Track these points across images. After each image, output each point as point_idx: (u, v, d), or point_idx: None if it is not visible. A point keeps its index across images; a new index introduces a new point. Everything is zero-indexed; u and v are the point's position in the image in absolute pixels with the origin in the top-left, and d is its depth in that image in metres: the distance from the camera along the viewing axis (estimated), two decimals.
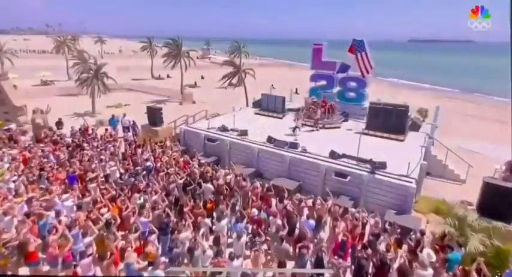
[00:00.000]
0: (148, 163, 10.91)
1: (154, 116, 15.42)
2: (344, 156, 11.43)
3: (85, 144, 12.50)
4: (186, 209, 8.22)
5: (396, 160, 10.56)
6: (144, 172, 10.83)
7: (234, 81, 26.25)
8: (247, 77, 25.95)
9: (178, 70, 30.59)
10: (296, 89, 27.14)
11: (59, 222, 7.01)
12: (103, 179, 10.17)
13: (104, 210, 8.07)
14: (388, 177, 9.95)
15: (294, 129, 14.51)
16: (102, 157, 11.30)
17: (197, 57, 33.43)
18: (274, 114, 17.26)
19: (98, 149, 12.28)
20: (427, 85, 44.44)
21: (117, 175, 10.55)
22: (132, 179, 10.07)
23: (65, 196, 8.33)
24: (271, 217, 8.22)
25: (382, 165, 10.46)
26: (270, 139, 12.99)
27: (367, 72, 16.56)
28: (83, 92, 22.67)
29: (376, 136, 13.95)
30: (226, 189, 9.33)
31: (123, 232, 7.31)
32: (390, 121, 13.91)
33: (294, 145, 12.41)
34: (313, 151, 11.86)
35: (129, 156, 11.45)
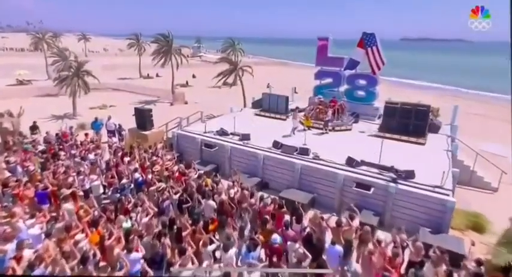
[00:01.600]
0: (137, 175, 9.42)
1: (144, 118, 13.88)
2: (363, 163, 10.19)
3: (61, 153, 10.90)
4: (185, 233, 6.80)
5: (421, 168, 9.40)
6: (132, 186, 9.35)
7: (230, 79, 24.76)
8: (244, 76, 24.55)
9: (168, 68, 28.98)
10: (294, 88, 25.94)
11: (19, 258, 5.49)
12: (82, 194, 8.67)
13: (80, 236, 6.58)
14: (419, 188, 8.72)
15: (294, 129, 13.31)
16: (82, 168, 9.75)
17: (188, 56, 31.76)
18: (277, 116, 15.94)
19: (77, 158, 10.70)
20: (426, 83, 43.89)
21: (100, 190, 9.04)
22: (117, 195, 8.59)
23: (29, 222, 6.77)
24: (289, 243, 6.86)
25: (410, 174, 9.25)
26: (276, 145, 11.66)
27: (379, 68, 15.42)
28: (63, 92, 20.90)
29: (393, 139, 12.78)
30: (232, 207, 7.94)
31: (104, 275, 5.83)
32: (409, 122, 12.80)
33: (304, 151, 11.11)
34: (325, 157, 10.60)
35: (114, 167, 9.93)
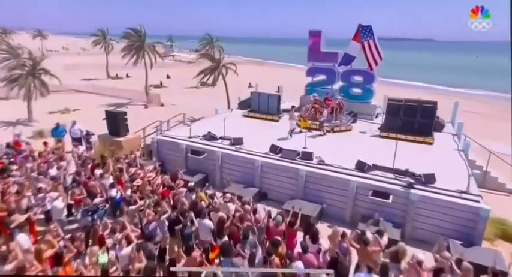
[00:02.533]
0: (113, 192, 7.99)
1: (117, 122, 12.31)
2: (375, 167, 9.39)
3: (13, 167, 9.17)
4: (180, 267, 5.56)
5: (435, 171, 8.70)
6: (107, 206, 7.92)
7: (211, 79, 23.43)
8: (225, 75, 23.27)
9: (139, 68, 27.16)
10: (279, 88, 25.14)
11: None
12: (42, 217, 7.16)
13: None
14: (444, 194, 8.01)
15: (291, 131, 12.39)
16: (41, 185, 8.16)
17: (160, 55, 30.05)
18: (268, 116, 14.92)
19: (34, 173, 9.03)
20: (414, 82, 44.62)
21: (64, 213, 7.51)
22: (89, 219, 7.14)
23: None
24: (311, 270, 5.81)
25: (430, 178, 8.54)
26: (274, 149, 10.62)
27: (376, 63, 14.84)
28: (15, 94, 18.63)
29: (398, 139, 12.15)
30: (238, 227, 6.75)
31: None
32: (414, 120, 12.26)
33: (307, 156, 10.15)
34: (329, 161, 9.72)
35: (83, 182, 8.42)
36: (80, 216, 7.22)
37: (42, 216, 7.91)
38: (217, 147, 11.04)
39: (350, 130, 13.50)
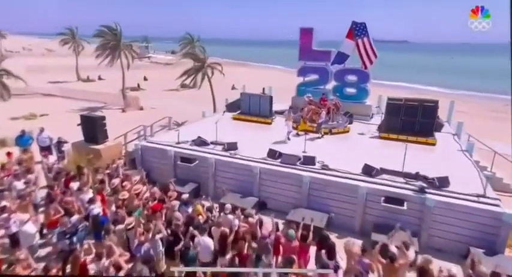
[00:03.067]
0: (94, 209, 7.06)
1: (94, 128, 11.24)
2: (383, 171, 9.00)
3: None
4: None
5: (444, 173, 8.46)
6: (87, 223, 6.98)
7: (193, 80, 22.55)
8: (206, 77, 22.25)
9: (113, 70, 25.81)
10: (263, 89, 24.69)
11: None
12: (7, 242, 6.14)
13: None
14: (460, 199, 7.69)
15: (289, 134, 11.92)
16: (5, 203, 7.09)
17: (137, 55, 28.83)
18: (260, 119, 14.32)
19: None
20: (403, 84, 45.40)
21: (37, 238, 6.51)
22: (67, 242, 6.20)
23: None
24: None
25: (443, 182, 8.24)
26: (273, 154, 10.02)
27: (371, 62, 14.67)
28: None
29: (399, 140, 11.94)
30: (248, 242, 6.05)
31: None
32: (415, 120, 12.08)
33: (309, 160, 9.63)
34: (333, 166, 9.25)
35: (59, 200, 7.42)
36: (56, 240, 6.25)
37: (6, 240, 6.89)
38: (209, 153, 10.29)
39: (348, 132, 13.17)
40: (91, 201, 7.36)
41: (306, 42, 15.80)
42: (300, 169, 9.29)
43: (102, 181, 8.37)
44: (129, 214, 6.80)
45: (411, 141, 11.73)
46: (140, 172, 9.01)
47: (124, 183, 8.12)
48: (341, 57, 15.20)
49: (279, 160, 9.83)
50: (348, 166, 9.20)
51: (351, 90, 15.48)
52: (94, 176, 8.86)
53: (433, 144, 11.56)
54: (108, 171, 9.05)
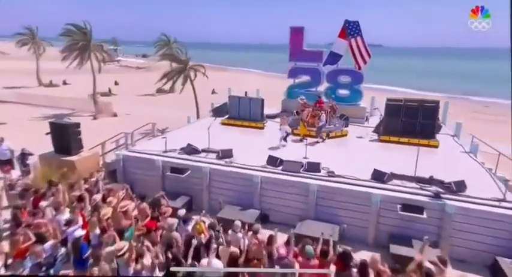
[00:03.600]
0: (75, 232, 6.14)
1: (67, 137, 10.13)
2: (394, 176, 8.67)
3: None
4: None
5: (456, 176, 8.28)
6: (64, 250, 6.04)
7: (171, 84, 21.65)
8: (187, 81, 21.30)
9: (81, 73, 24.29)
10: (246, 93, 24.16)
11: None
12: None
13: None
14: (480, 204, 7.45)
15: (286, 137, 11.46)
16: None
17: (108, 56, 27.47)
18: (251, 123, 13.74)
19: None
20: (386, 87, 46.29)
21: (1, 272, 5.49)
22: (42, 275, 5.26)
23: None
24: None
25: (460, 186, 8.00)
26: (274, 161, 9.45)
27: (364, 62, 14.57)
28: None
29: (400, 143, 11.81)
30: (261, 263, 5.39)
31: None
32: (416, 122, 11.99)
33: (314, 167, 9.15)
34: (338, 172, 8.85)
35: (28, 222, 6.42)
36: (28, 272, 5.28)
37: None
38: (203, 162, 9.55)
39: (346, 135, 12.88)
40: (69, 222, 6.42)
41: (296, 42, 15.53)
42: (304, 177, 8.78)
43: (81, 199, 7.40)
44: (121, 234, 5.94)
45: (413, 144, 11.67)
46: (124, 187, 8.12)
47: (108, 199, 7.22)
48: (333, 58, 15.02)
49: (280, 167, 9.29)
50: (353, 172, 8.81)
51: (344, 92, 15.31)
52: (70, 193, 7.87)
53: (436, 147, 11.46)
54: (86, 186, 8.09)
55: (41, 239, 5.97)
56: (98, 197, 7.48)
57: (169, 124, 16.43)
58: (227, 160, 9.68)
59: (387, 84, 45.93)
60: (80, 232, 6.24)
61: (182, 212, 6.97)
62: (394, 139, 11.91)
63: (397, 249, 7.18)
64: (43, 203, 7.45)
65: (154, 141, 11.68)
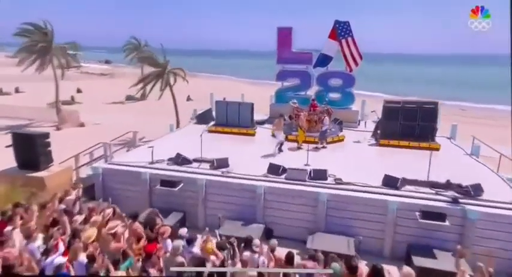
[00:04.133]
0: (54, 261, 5.22)
1: (33, 149, 9.01)
2: (406, 182, 8.45)
3: None
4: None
5: (463, 179, 8.25)
6: None
7: (141, 90, 20.64)
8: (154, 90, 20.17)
9: (37, 81, 22.53)
10: (224, 99, 23.62)
11: None
12: None
13: None
14: (500, 208, 7.35)
15: (281, 145, 11.07)
16: None
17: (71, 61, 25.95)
18: (241, 130, 13.18)
19: None
20: (368, 92, 47.28)
21: None
22: None
23: None
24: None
25: (477, 190, 7.90)
26: (276, 169, 8.95)
27: (356, 63, 14.57)
28: None
29: (400, 146, 11.77)
30: None
31: None
32: (415, 124, 12.01)
33: (320, 175, 8.75)
34: (344, 179, 8.53)
35: None
36: None
37: None
38: (197, 173, 8.83)
39: (343, 140, 12.66)
40: (48, 251, 5.49)
41: (284, 44, 15.26)
42: (312, 186, 8.33)
43: (56, 222, 6.45)
44: (116, 263, 5.12)
45: (414, 147, 11.68)
46: (108, 205, 7.23)
47: (92, 219, 6.34)
48: (324, 60, 14.92)
49: (283, 176, 8.80)
50: (360, 179, 8.55)
51: (335, 95, 15.19)
52: (42, 215, 6.87)
53: (437, 149, 11.48)
54: (63, 207, 7.10)
55: (8, 274, 5.02)
56: (79, 218, 6.56)
57: (146, 134, 15.48)
58: (223, 170, 9.05)
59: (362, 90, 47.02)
60: (61, 260, 5.33)
61: (184, 231, 6.22)
62: (394, 143, 11.85)
63: (421, 261, 6.85)
64: (8, 229, 6.41)
65: (135, 151, 10.81)
